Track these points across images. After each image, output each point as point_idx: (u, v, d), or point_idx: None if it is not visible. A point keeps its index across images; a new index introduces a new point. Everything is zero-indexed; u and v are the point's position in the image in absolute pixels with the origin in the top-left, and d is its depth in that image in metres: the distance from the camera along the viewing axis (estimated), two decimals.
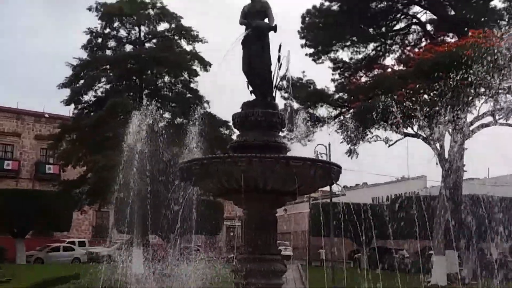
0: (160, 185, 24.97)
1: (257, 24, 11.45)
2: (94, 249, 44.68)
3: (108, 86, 39.01)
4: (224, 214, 51.22)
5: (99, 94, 38.87)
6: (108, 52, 40.00)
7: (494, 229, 23.96)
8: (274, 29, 11.44)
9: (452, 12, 33.54)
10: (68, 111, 43.69)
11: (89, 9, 39.19)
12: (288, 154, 11.21)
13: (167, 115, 38.85)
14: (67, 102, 38.44)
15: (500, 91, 24.57)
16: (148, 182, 21.66)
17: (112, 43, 40.17)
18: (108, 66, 38.84)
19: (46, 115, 57.30)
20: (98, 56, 39.05)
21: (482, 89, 25.33)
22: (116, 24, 39.39)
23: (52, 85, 51.80)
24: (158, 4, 40.15)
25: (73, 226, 49.65)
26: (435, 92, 25.61)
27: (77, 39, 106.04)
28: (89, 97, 38.88)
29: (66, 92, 38.21)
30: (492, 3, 32.43)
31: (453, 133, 26.60)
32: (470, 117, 28.84)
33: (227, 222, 55.77)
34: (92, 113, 38.24)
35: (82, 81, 38.49)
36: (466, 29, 27.90)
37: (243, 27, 11.68)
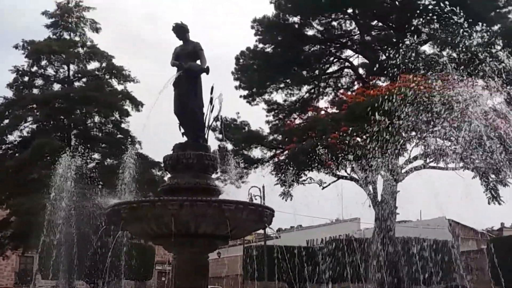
0: (88, 228, 24.47)
1: (189, 66, 11.55)
2: None
3: (34, 126, 38.26)
4: (155, 258, 50.41)
5: (25, 134, 38.10)
6: (35, 91, 39.36)
7: (427, 272, 24.47)
8: (206, 71, 11.56)
9: (383, 57, 34.63)
10: None
11: (16, 47, 38.56)
12: (221, 197, 11.26)
13: (96, 156, 38.32)
14: None
15: (430, 135, 25.35)
16: (75, 225, 21.21)
17: (39, 82, 39.62)
18: (35, 105, 38.14)
19: None
20: (25, 94, 38.37)
21: (413, 133, 26.09)
22: (44, 62, 38.92)
23: None
24: (88, 43, 39.95)
25: None
26: (367, 135, 26.18)
27: (2, 77, 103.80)
28: (14, 137, 38.12)
29: None
30: (422, 48, 33.70)
31: (385, 176, 27.19)
32: (402, 160, 29.59)
33: (159, 266, 54.76)
34: (17, 154, 37.35)
35: (6, 121, 37.64)
36: (397, 73, 28.83)
37: (175, 68, 11.77)
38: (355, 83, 37.36)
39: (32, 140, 35.73)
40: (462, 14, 16.73)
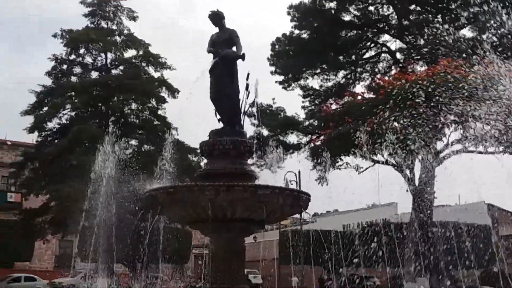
0: (127, 213, 24.83)
1: (224, 53, 11.60)
2: (58, 280, 43.92)
3: (73, 114, 38.84)
4: (192, 242, 50.89)
5: (64, 121, 38.70)
6: (74, 79, 39.92)
7: (465, 257, 24.27)
8: (242, 57, 11.60)
9: (422, 41, 34.21)
10: (31, 138, 43.26)
11: (55, 35, 39.14)
12: (257, 182, 11.30)
13: (134, 142, 38.75)
14: (31, 130, 38.16)
15: (469, 119, 25.04)
16: (114, 210, 21.53)
17: (77, 70, 40.20)
18: (73, 93, 38.66)
19: (8, 143, 56.47)
20: (63, 82, 38.92)
21: (452, 117, 25.79)
22: (82, 51, 39.48)
23: (15, 112, 51.11)
24: (125, 31, 40.31)
25: (35, 255, 48.80)
26: (405, 120, 25.98)
27: (41, 65, 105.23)
28: (53, 124, 38.75)
29: (30, 119, 37.97)
30: (461, 32, 33.20)
31: (423, 161, 26.98)
32: (440, 145, 29.31)
33: (195, 250, 55.29)
34: (56, 141, 37.98)
35: (46, 108, 38.26)
36: (435, 58, 28.48)
37: (211, 55, 11.83)
38: (392, 68, 37.02)
39: (70, 127, 36.26)
40: None
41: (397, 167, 29.61)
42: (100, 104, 39.04)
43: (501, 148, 26.00)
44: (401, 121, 27.27)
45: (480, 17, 31.49)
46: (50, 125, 38.60)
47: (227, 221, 10.23)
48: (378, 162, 30.47)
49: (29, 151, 40.75)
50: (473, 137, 26.86)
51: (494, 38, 30.00)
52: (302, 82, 37.90)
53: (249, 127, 30.49)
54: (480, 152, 28.23)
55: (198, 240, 51.83)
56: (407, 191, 28.87)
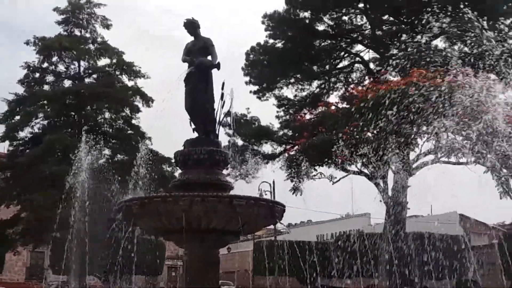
0: (100, 224, 24.55)
1: (200, 62, 11.55)
2: None
3: (45, 122, 38.39)
4: (165, 253, 50.56)
5: (36, 130, 38.23)
6: (46, 87, 39.45)
7: (438, 267, 24.42)
8: (217, 66, 11.56)
9: (395, 51, 34.49)
10: (2, 147, 42.69)
11: (27, 43, 38.67)
12: (232, 192, 11.25)
13: (107, 151, 38.41)
14: (2, 139, 37.72)
15: (441, 130, 25.25)
16: (87, 221, 21.28)
17: (50, 78, 39.71)
18: (45, 102, 38.22)
19: None
20: (36, 91, 38.48)
21: (424, 128, 25.99)
22: (55, 59, 39.00)
23: None
24: (99, 39, 40.02)
25: (5, 267, 48.03)
26: (378, 130, 26.12)
27: (13, 73, 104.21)
28: (25, 133, 38.23)
29: (1, 128, 37.50)
30: (433, 42, 33.54)
31: (396, 171, 27.13)
32: (413, 155, 29.50)
33: (169, 261, 54.91)
34: (28, 150, 37.51)
35: (18, 117, 37.80)
36: (408, 68, 28.75)
37: (186, 64, 11.77)
38: (366, 78, 37.28)
39: (43, 137, 35.86)
40: (474, 7, 16.65)
41: (371, 178, 29.74)
42: (73, 113, 38.67)
43: (473, 159, 26.25)
44: (374, 131, 27.46)
45: (452, 28, 31.85)
46: (22, 134, 38.14)
47: (201, 232, 10.16)
48: (352, 172, 30.58)
49: (0, 160, 40.20)
50: (445, 148, 27.09)
51: (466, 49, 30.35)
52: (276, 91, 38.02)
53: (224, 137, 30.37)
54: (453, 163, 28.48)
55: (171, 251, 51.48)
56: (380, 201, 28.99)
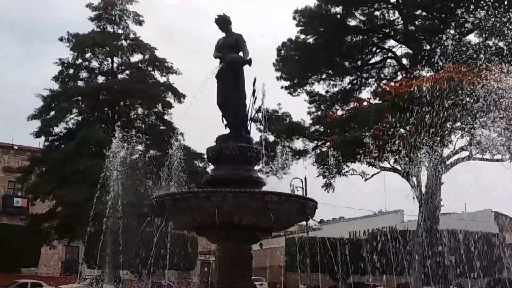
0: (133, 219, 24.79)
1: (231, 58, 11.56)
2: (64, 286, 43.86)
3: (79, 118, 38.86)
4: (198, 248, 50.81)
5: (70, 126, 38.71)
6: (80, 83, 39.90)
7: (472, 265, 24.14)
8: (249, 62, 11.56)
9: (428, 47, 34.16)
10: (38, 143, 43.27)
11: (61, 39, 39.10)
12: (264, 188, 11.25)
13: (140, 147, 38.71)
14: (37, 134, 38.16)
15: (476, 125, 24.96)
16: (121, 216, 21.50)
17: (84, 74, 40.14)
18: (79, 98, 38.68)
19: (15, 147, 56.56)
20: (70, 87, 38.91)
21: (458, 124, 25.72)
22: (88, 55, 39.39)
23: (21, 117, 51.18)
24: (131, 35, 40.30)
25: (41, 261, 48.77)
26: (411, 126, 25.92)
27: (48, 69, 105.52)
28: (59, 129, 38.71)
29: (36, 124, 37.98)
30: (467, 37, 33.14)
31: (429, 167, 26.89)
32: (446, 151, 29.21)
33: (201, 257, 55.18)
34: (62, 146, 37.97)
35: (52, 113, 38.23)
36: (441, 63, 28.45)
37: (217, 60, 11.80)
38: (398, 73, 37.00)
39: (77, 132, 36.30)
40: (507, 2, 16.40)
41: (404, 174, 29.52)
42: (106, 109, 39.10)
43: (508, 155, 25.90)
44: (407, 127, 27.25)
45: (486, 22, 31.38)
46: (56, 129, 38.62)
47: (233, 228, 10.18)
48: (384, 168, 30.40)
49: (35, 156, 40.80)
50: (480, 144, 26.77)
51: (501, 44, 29.91)
52: (308, 87, 37.93)
53: (255, 133, 30.43)
54: (487, 160, 28.13)
55: (204, 247, 51.74)
56: (413, 198, 28.78)
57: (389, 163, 29.82)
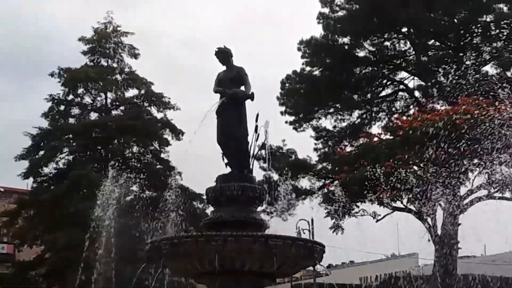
0: (127, 264, 24.67)
1: (232, 92, 11.64)
2: None
3: (70, 157, 38.91)
4: None
5: (61, 166, 38.70)
6: (71, 121, 40.09)
7: None
8: (251, 97, 11.63)
9: (441, 78, 34.34)
10: (26, 184, 43.29)
11: (51, 74, 39.40)
12: (267, 231, 11.25)
13: (135, 188, 38.68)
14: (25, 175, 38.18)
15: (494, 162, 24.95)
16: (114, 262, 21.42)
17: (75, 111, 40.34)
18: (71, 136, 38.84)
19: (1, 189, 56.58)
20: (60, 124, 39.07)
21: (476, 161, 25.69)
22: (80, 91, 39.58)
23: (8, 157, 51.02)
24: (126, 69, 40.57)
25: None
26: (425, 163, 25.90)
27: (36, 106, 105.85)
28: (49, 169, 38.69)
29: (24, 164, 38.02)
30: (484, 68, 33.31)
31: (445, 207, 26.77)
32: (463, 190, 29.10)
33: None
34: (52, 187, 37.96)
35: (42, 152, 38.35)
36: (456, 96, 28.59)
37: (218, 95, 11.88)
38: (411, 107, 37.12)
39: (68, 172, 36.30)
40: None
41: (418, 215, 29.37)
42: (99, 147, 39.20)
43: None
44: (421, 164, 27.22)
45: (504, 52, 31.59)
46: (46, 170, 38.64)
47: (235, 274, 10.14)
48: (397, 209, 30.25)
49: (23, 198, 40.69)
50: (499, 183, 26.70)
51: None
52: (314, 122, 38.07)
53: (258, 171, 30.44)
54: (507, 198, 28.02)
55: None
56: (428, 240, 28.55)
57: (402, 202, 29.66)
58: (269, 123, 11.66)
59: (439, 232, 28.50)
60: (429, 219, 29.07)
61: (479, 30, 33.07)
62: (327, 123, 38.09)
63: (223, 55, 12.14)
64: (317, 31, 36.79)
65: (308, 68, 37.24)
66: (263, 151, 13.20)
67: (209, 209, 12.60)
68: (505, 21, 33.44)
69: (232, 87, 11.78)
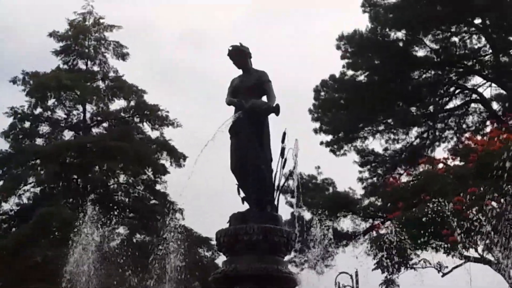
0: None
1: (251, 105, 11.58)
2: None
3: (37, 190, 38.99)
4: None
5: (25, 201, 38.82)
6: (39, 141, 40.21)
7: None
8: (276, 110, 11.56)
9: None
10: None
11: (13, 81, 39.48)
12: None
13: (122, 230, 38.73)
14: None
15: None
16: None
17: (44, 129, 40.47)
18: (38, 161, 38.91)
19: None
20: (25, 146, 39.18)
21: None
22: (51, 102, 39.74)
23: None
24: (111, 74, 40.67)
25: None
26: (506, 198, 25.75)
27: None
28: (9, 205, 38.77)
29: None
30: None
31: None
32: None
33: None
34: (13, 229, 38.05)
35: (0, 183, 38.47)
36: None
37: (232, 107, 11.85)
38: (487, 123, 36.94)
39: (33, 209, 36.34)
40: None
41: (497, 266, 29.19)
42: (75, 176, 39.25)
43: None
44: (502, 200, 27.07)
45: None
46: (5, 206, 38.77)
47: None
48: (469, 259, 30.08)
49: None
50: None
51: None
52: (358, 143, 38.08)
53: (285, 208, 30.48)
54: None
55: None
56: None
57: (476, 250, 29.54)
58: (299, 143, 11.63)
59: None
60: (511, 272, 28.89)
61: None
62: (375, 144, 38.09)
63: (239, 55, 12.09)
64: (363, 22, 36.89)
65: (350, 72, 37.29)
66: (291, 182, 13.18)
67: (220, 259, 12.54)
68: None
69: (251, 97, 11.72)
